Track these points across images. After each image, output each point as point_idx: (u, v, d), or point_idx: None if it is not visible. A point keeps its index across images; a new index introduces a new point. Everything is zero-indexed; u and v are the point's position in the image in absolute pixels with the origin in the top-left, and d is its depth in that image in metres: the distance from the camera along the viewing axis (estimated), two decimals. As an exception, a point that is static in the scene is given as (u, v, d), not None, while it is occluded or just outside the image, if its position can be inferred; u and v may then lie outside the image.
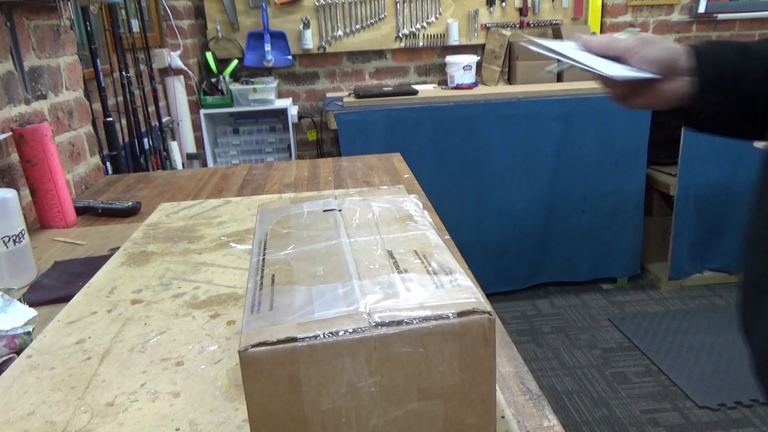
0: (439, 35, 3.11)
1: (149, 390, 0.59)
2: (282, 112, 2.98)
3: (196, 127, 2.87)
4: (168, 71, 2.65)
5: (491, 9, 3.09)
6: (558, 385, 2.21)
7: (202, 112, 2.81)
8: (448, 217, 1.29)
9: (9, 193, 0.90)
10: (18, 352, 0.69)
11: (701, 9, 3.17)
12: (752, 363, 0.53)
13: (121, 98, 2.03)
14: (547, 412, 0.56)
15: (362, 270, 0.46)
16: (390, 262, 0.47)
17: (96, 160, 1.61)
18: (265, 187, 1.41)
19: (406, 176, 1.44)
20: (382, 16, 3.05)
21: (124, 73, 2.00)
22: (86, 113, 1.56)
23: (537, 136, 2.67)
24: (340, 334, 0.38)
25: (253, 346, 0.37)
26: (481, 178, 2.70)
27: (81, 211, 1.25)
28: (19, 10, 1.25)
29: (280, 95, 3.11)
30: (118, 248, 0.99)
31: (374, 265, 0.47)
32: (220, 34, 2.98)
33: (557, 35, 3.07)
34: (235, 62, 2.95)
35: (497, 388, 0.59)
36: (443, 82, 3.12)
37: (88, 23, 1.73)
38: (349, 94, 2.85)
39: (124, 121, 2.02)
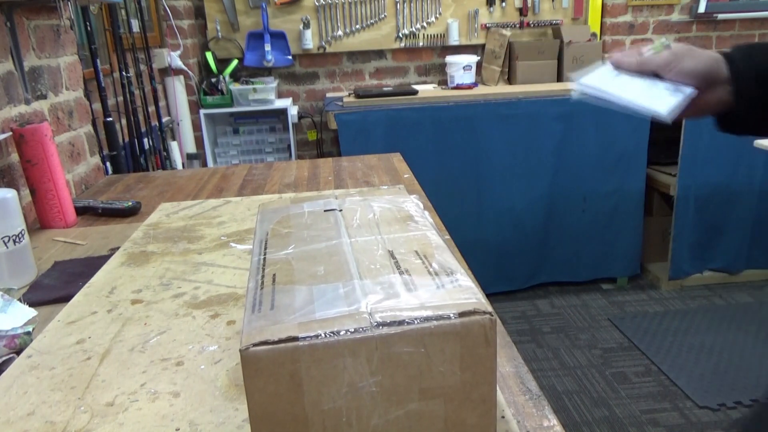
0: (439, 35, 3.11)
1: (149, 390, 0.59)
2: (282, 112, 2.98)
3: (196, 127, 2.87)
4: (168, 71, 2.65)
5: (491, 9, 3.09)
6: (558, 385, 2.21)
7: (202, 112, 2.81)
8: (448, 217, 1.29)
9: (9, 193, 0.90)
10: (18, 352, 0.69)
11: (701, 9, 3.17)
12: None
13: (121, 98, 2.03)
14: (547, 412, 0.56)
15: (363, 270, 0.46)
16: (391, 262, 0.47)
17: (96, 160, 1.61)
18: (265, 187, 1.41)
19: (406, 176, 1.44)
20: (382, 16, 3.05)
21: (124, 73, 2.00)
22: (86, 113, 1.56)
23: (537, 136, 2.67)
24: (342, 333, 0.38)
25: (255, 345, 0.37)
26: (481, 178, 2.70)
27: (81, 211, 1.25)
28: (19, 10, 1.25)
29: (280, 95, 3.11)
30: (118, 248, 0.99)
31: (375, 265, 0.47)
32: (220, 34, 2.98)
33: (557, 35, 3.07)
34: (235, 62, 2.95)
35: (497, 388, 0.59)
36: (443, 82, 3.12)
37: (88, 23, 1.73)
38: (349, 94, 2.85)
39: (124, 121, 2.02)
